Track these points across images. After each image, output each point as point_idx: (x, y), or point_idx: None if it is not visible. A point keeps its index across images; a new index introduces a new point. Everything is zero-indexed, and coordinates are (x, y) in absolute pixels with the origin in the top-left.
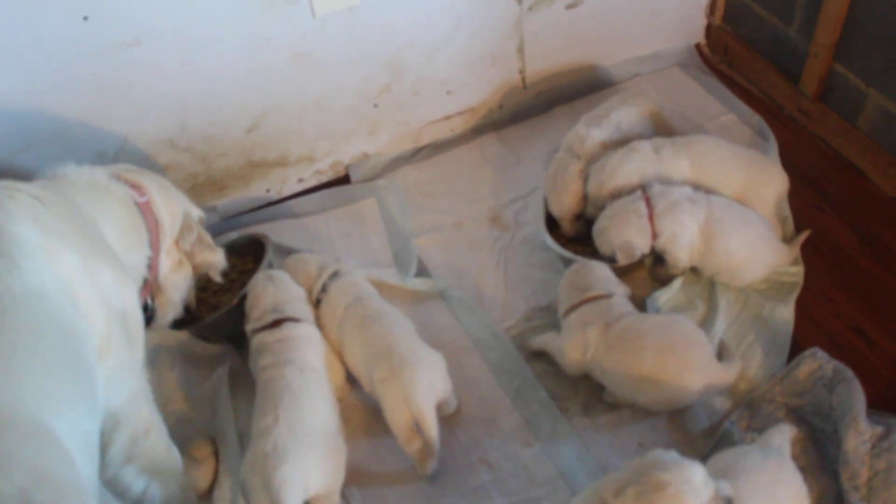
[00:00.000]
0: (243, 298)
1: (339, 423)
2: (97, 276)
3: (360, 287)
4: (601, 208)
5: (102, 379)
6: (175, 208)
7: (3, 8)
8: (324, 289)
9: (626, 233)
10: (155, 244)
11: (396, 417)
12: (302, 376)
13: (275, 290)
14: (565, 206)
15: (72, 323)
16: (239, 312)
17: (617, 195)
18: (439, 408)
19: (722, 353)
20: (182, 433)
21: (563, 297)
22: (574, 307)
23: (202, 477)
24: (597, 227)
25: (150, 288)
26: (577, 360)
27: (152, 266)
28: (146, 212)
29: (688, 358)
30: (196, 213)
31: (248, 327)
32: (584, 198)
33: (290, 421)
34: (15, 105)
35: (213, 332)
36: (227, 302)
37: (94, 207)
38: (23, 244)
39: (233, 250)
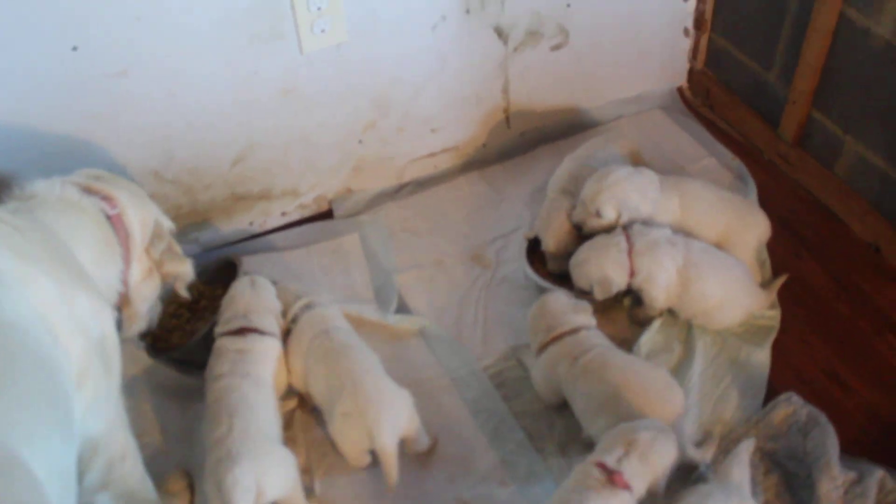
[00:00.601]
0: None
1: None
2: (75, 303)
3: (328, 320)
4: (591, 217)
5: (81, 407)
6: (147, 216)
7: None
8: (294, 319)
9: (605, 266)
10: (126, 256)
11: (354, 453)
12: (257, 390)
13: (252, 295)
14: (560, 244)
15: (49, 353)
16: (210, 340)
17: (607, 212)
18: (407, 444)
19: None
20: (157, 466)
21: (531, 334)
22: (543, 346)
23: None
24: (575, 260)
25: (121, 299)
26: (550, 392)
27: (124, 278)
28: (118, 224)
29: (645, 399)
30: (167, 223)
31: (217, 329)
32: (575, 236)
33: (243, 430)
34: (1, 129)
35: (186, 358)
36: (200, 328)
37: (68, 228)
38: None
39: (203, 277)
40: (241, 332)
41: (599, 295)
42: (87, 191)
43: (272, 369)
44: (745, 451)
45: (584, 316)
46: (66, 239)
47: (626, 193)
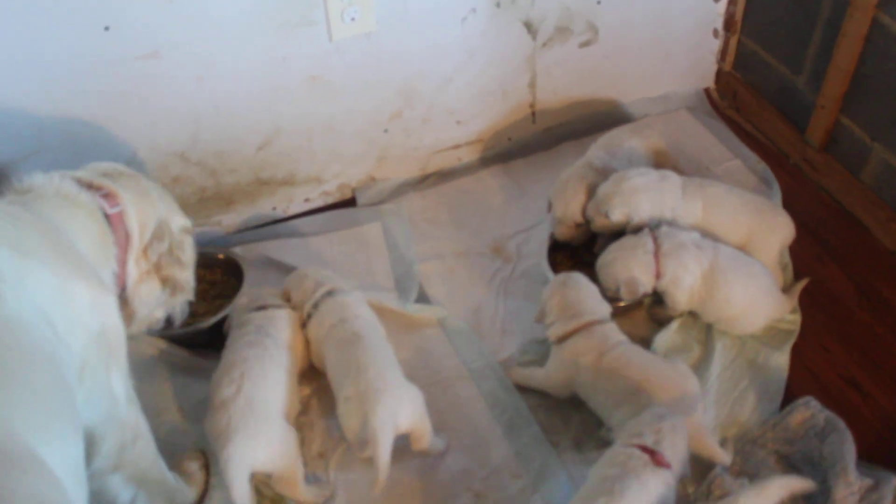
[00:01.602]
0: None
1: (295, 405)
2: (75, 297)
3: (348, 308)
4: (600, 216)
5: (83, 398)
6: (148, 216)
7: (27, 13)
8: (315, 306)
9: (631, 267)
10: (122, 257)
11: (355, 440)
12: (277, 351)
13: (255, 292)
14: (570, 210)
15: (53, 348)
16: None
17: (626, 215)
18: (413, 442)
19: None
20: (175, 444)
21: (551, 315)
22: (566, 336)
23: (192, 489)
24: (602, 261)
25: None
26: (565, 382)
27: (119, 279)
28: (116, 223)
29: (662, 400)
30: (179, 223)
31: (227, 324)
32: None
33: (248, 397)
34: (29, 109)
35: (186, 341)
36: (200, 311)
37: (66, 222)
38: (1, 270)
39: (202, 260)
40: (260, 308)
41: (626, 296)
42: (89, 187)
43: (289, 334)
44: (777, 487)
45: (605, 305)
46: (66, 231)
47: (639, 202)
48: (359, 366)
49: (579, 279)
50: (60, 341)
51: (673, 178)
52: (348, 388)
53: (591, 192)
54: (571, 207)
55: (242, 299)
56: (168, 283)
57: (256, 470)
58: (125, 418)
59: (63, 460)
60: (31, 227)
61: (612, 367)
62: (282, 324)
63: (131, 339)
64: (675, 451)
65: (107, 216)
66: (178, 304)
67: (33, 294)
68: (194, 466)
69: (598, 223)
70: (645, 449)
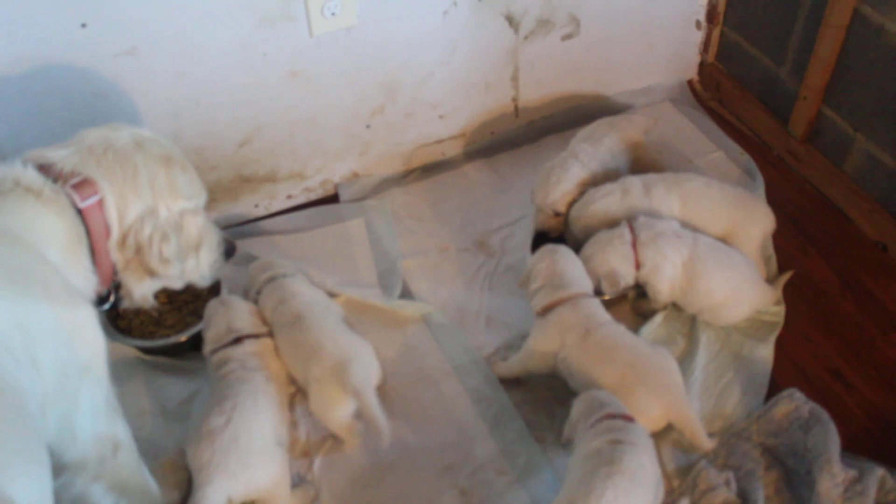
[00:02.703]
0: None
1: (285, 435)
2: (36, 319)
3: (286, 289)
4: (578, 233)
5: (54, 421)
6: (129, 204)
7: (2, 10)
8: (259, 292)
9: (610, 259)
10: (102, 248)
11: (333, 412)
12: (268, 385)
13: (226, 311)
14: (549, 199)
15: (14, 379)
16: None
17: (596, 228)
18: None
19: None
20: (157, 445)
21: (537, 282)
22: (551, 305)
23: (174, 491)
24: (581, 256)
25: (103, 285)
26: (547, 356)
27: (103, 272)
28: (91, 216)
29: (648, 384)
30: (178, 205)
31: (207, 349)
32: (569, 204)
33: (236, 430)
34: (6, 106)
35: (163, 352)
36: (171, 321)
37: (28, 223)
38: None
39: None
40: (237, 341)
41: (608, 289)
42: (57, 177)
43: (276, 364)
44: None
45: (590, 281)
46: (26, 237)
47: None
48: (311, 346)
49: (568, 251)
50: (21, 368)
51: (635, 187)
52: (314, 370)
53: (573, 182)
54: (552, 196)
55: (210, 333)
56: (153, 275)
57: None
58: (103, 432)
59: (28, 495)
60: None
61: (598, 348)
62: (267, 356)
63: (110, 341)
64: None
65: (79, 211)
66: (193, 269)
67: None
68: (178, 477)
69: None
70: (614, 416)
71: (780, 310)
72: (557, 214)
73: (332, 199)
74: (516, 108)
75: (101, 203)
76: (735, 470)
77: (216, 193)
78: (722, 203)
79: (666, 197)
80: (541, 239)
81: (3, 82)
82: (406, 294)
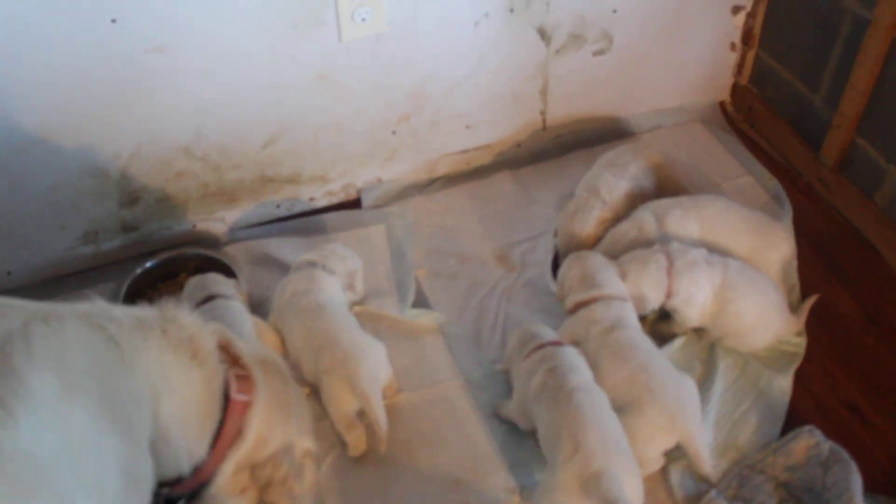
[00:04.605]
0: None
1: None
2: (106, 450)
3: (316, 280)
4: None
5: None
6: (274, 433)
7: (36, 3)
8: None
9: (643, 284)
10: (218, 450)
11: (339, 406)
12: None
13: (202, 278)
14: (575, 241)
15: (69, 494)
16: None
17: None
18: (385, 392)
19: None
20: None
21: (568, 288)
22: (583, 303)
23: None
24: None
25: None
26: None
27: (201, 470)
28: (233, 411)
29: (656, 392)
30: (304, 445)
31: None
32: (595, 240)
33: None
34: (34, 99)
35: None
36: None
37: (166, 369)
38: (32, 396)
39: (192, 265)
40: (208, 299)
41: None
42: (231, 360)
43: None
44: None
45: (623, 285)
46: (154, 381)
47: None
48: (328, 335)
49: (597, 255)
50: (81, 485)
51: (648, 223)
52: (325, 359)
53: (598, 221)
54: (577, 239)
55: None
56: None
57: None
58: None
59: None
60: (99, 363)
61: (616, 344)
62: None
63: None
64: (554, 334)
65: (227, 399)
66: None
67: (62, 429)
68: None
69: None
70: (543, 345)
71: (802, 340)
72: None
73: (355, 203)
74: (544, 121)
75: (247, 405)
76: (746, 502)
77: (238, 192)
78: (742, 227)
79: (683, 221)
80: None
81: (32, 75)
82: (422, 303)
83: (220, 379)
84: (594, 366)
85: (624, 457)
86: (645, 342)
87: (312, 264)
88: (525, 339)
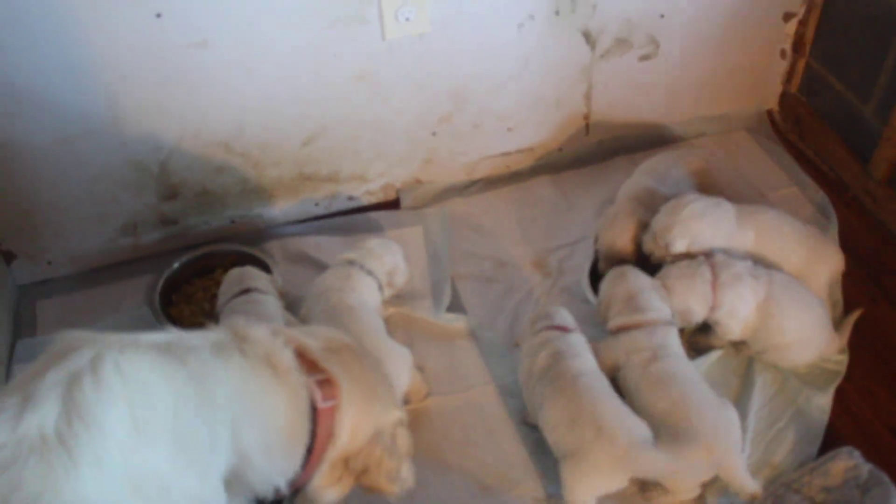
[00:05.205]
0: None
1: None
2: (177, 490)
3: (353, 279)
4: (660, 249)
5: None
6: (366, 422)
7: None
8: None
9: (689, 299)
10: (313, 461)
11: None
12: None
13: (241, 272)
14: (617, 247)
15: None
16: None
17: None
18: (413, 396)
19: None
20: None
21: (610, 308)
22: (625, 328)
23: None
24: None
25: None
26: (611, 367)
27: (297, 480)
28: (322, 420)
29: (694, 423)
30: (394, 416)
31: (220, 302)
32: (637, 246)
33: None
34: (77, 91)
35: None
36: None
37: (250, 397)
38: (103, 437)
39: (230, 260)
40: (244, 292)
41: (679, 325)
42: (310, 367)
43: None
44: None
45: (667, 306)
46: (234, 405)
47: (700, 229)
48: (353, 336)
49: (639, 272)
50: None
51: (726, 204)
52: None
53: (640, 227)
54: (619, 245)
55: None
56: (369, 490)
57: None
58: None
59: None
60: (172, 393)
61: (657, 375)
62: (271, 307)
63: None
64: (566, 320)
65: (314, 409)
66: (405, 479)
67: (127, 469)
68: None
69: (659, 255)
70: (552, 327)
71: (844, 358)
72: (624, 261)
73: (394, 203)
74: (587, 125)
75: (335, 409)
76: None
77: (277, 189)
78: (794, 240)
79: (741, 228)
80: (597, 270)
81: (77, 67)
82: (457, 307)
83: (304, 394)
84: (633, 394)
85: (642, 430)
86: (686, 370)
87: (351, 263)
88: (538, 317)
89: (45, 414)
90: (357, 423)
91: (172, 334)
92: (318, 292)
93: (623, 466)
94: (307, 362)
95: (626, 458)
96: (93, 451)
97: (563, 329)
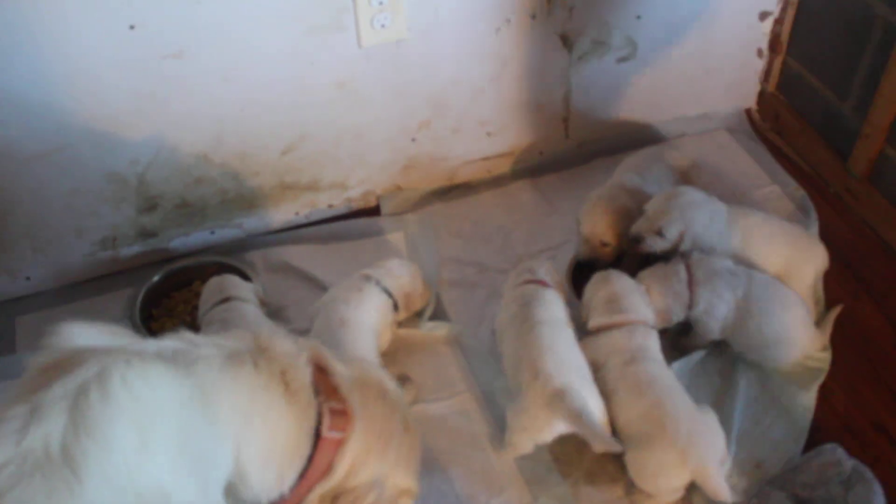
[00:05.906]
0: None
1: None
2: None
3: (353, 293)
4: (652, 235)
5: None
6: (368, 466)
7: (54, 9)
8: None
9: (666, 297)
10: (302, 488)
11: None
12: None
13: (220, 280)
14: (598, 229)
15: None
16: None
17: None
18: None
19: None
20: None
21: (592, 306)
22: (607, 327)
23: None
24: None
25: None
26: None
27: (280, 502)
28: (323, 449)
29: (668, 429)
30: (399, 482)
31: (200, 312)
32: (618, 234)
33: None
34: (52, 105)
35: None
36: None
37: (254, 417)
38: (108, 450)
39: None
40: (224, 301)
41: (657, 325)
42: (327, 392)
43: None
44: None
45: (650, 309)
46: (238, 420)
47: (694, 218)
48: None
49: (622, 275)
50: None
51: (720, 202)
52: None
53: (621, 213)
54: (600, 227)
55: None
56: None
57: None
58: None
59: None
60: (176, 405)
61: (634, 378)
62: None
63: None
64: (547, 276)
65: (318, 437)
66: None
67: (132, 486)
68: None
69: (647, 244)
70: (532, 281)
71: (826, 356)
72: (604, 245)
73: (374, 210)
74: (566, 129)
75: (341, 442)
76: None
77: (257, 199)
78: (779, 240)
79: (731, 225)
80: (581, 267)
81: (51, 81)
82: (440, 312)
83: (311, 416)
84: (610, 396)
85: (583, 379)
86: (664, 376)
87: (367, 278)
88: (521, 271)
89: (51, 427)
90: (358, 462)
91: (183, 342)
92: (324, 301)
93: (550, 412)
94: (328, 387)
95: (553, 404)
96: (99, 468)
97: (542, 284)
